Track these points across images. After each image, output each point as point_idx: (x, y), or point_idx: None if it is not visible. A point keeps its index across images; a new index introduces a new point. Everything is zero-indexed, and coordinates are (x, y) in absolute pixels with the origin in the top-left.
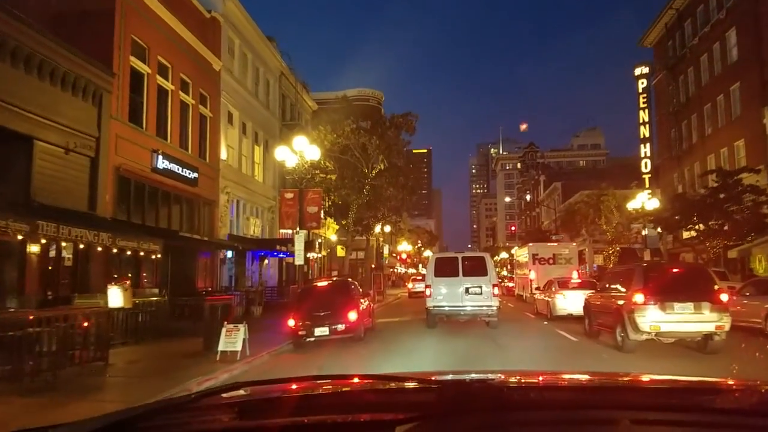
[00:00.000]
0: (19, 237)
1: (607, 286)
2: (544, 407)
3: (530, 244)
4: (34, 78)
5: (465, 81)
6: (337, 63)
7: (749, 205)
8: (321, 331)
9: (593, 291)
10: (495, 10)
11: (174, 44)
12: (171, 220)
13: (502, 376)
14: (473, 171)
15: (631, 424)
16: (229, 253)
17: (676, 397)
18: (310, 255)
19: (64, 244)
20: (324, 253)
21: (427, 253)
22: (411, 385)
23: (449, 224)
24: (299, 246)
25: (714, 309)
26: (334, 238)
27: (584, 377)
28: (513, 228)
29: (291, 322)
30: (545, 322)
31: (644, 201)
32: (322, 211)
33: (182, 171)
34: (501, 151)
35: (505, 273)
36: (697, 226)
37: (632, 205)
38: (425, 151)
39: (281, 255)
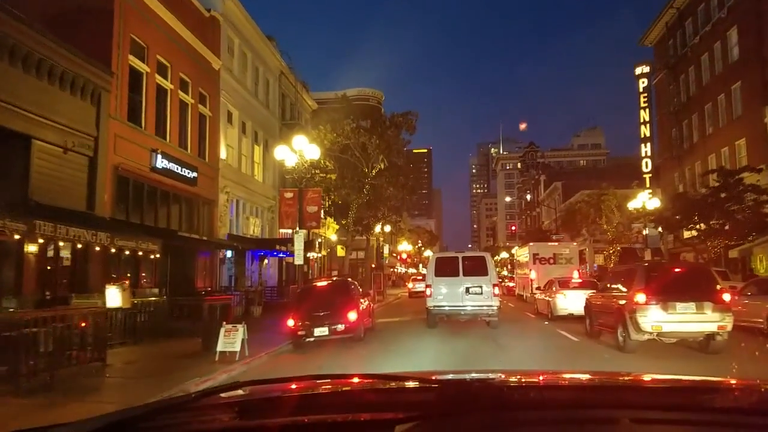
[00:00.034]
0: (16, 237)
1: (609, 285)
2: (545, 407)
3: (531, 244)
4: (33, 77)
5: (465, 80)
6: (336, 63)
7: (750, 205)
8: (320, 331)
9: (594, 291)
10: (495, 9)
11: (173, 43)
12: (170, 219)
13: (503, 376)
14: (473, 171)
15: (631, 423)
16: (229, 253)
17: (676, 396)
18: (310, 255)
19: (62, 243)
20: (324, 252)
21: (428, 252)
22: (411, 384)
23: (449, 224)
24: (299, 246)
25: (716, 309)
26: (334, 237)
27: (585, 376)
28: (513, 228)
29: (290, 322)
30: (546, 322)
31: (645, 200)
32: (321, 211)
33: (181, 170)
34: (501, 151)
35: (505, 273)
36: (698, 226)
37: (633, 204)
38: (425, 150)
39: (281, 255)
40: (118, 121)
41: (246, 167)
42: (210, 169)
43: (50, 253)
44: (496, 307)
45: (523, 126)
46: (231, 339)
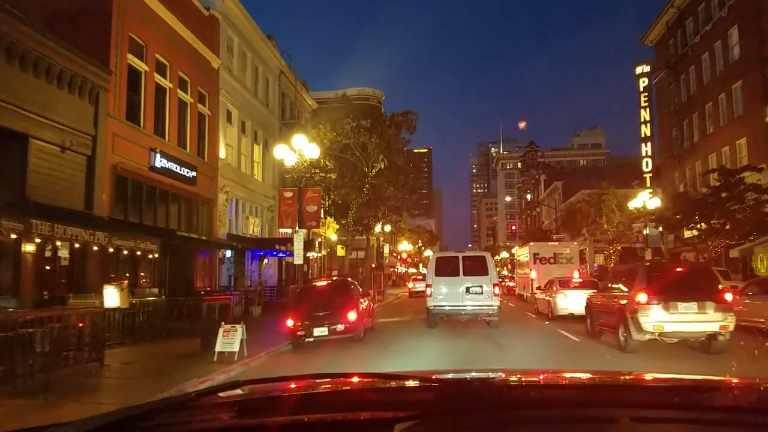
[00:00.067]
0: (13, 236)
1: (610, 285)
2: (545, 405)
3: (531, 244)
4: (30, 75)
5: (465, 80)
6: (336, 62)
7: (751, 204)
8: (320, 331)
9: (594, 290)
10: (495, 8)
11: (172, 42)
12: (169, 219)
13: (503, 375)
14: (473, 170)
15: (632, 421)
16: (228, 253)
17: (676, 394)
18: (310, 254)
19: (59, 243)
20: (324, 252)
21: (428, 252)
22: (411, 383)
23: (449, 224)
24: (298, 245)
25: (718, 309)
26: (334, 237)
27: (585, 376)
28: (513, 227)
29: (290, 322)
30: (546, 322)
31: (645, 200)
32: (321, 211)
33: (180, 170)
34: (501, 151)
35: (505, 272)
36: (698, 226)
37: (633, 204)
38: (425, 150)
39: (281, 254)
40: (117, 120)
41: (245, 167)
42: (209, 169)
43: (48, 253)
44: (496, 307)
45: (522, 124)
46: (230, 339)
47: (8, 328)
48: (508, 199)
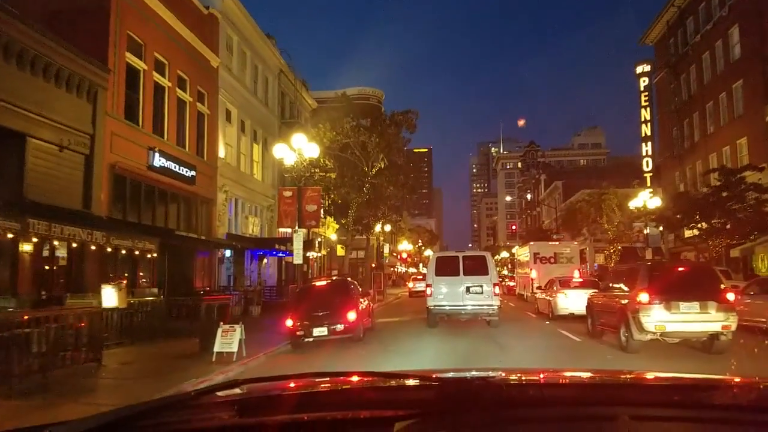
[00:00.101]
0: (10, 236)
1: (611, 285)
2: (545, 404)
3: (531, 243)
4: (28, 74)
5: (465, 80)
6: (336, 62)
7: (752, 204)
8: (319, 331)
9: (595, 290)
10: (495, 8)
11: (171, 41)
12: (168, 218)
13: (503, 374)
14: (474, 170)
15: (631, 420)
16: (228, 253)
17: (676, 393)
18: (310, 254)
19: (57, 243)
20: (324, 252)
21: (428, 252)
22: (411, 382)
23: (450, 223)
24: (298, 245)
25: (720, 308)
26: (333, 237)
27: (585, 374)
28: (514, 227)
29: (289, 322)
30: (547, 322)
31: (646, 200)
32: (321, 210)
33: (179, 169)
34: (502, 150)
35: (505, 272)
36: (699, 225)
37: (634, 203)
38: (425, 150)
39: (280, 254)
40: (115, 119)
41: (245, 166)
42: (208, 168)
43: (46, 253)
44: (496, 307)
45: (521, 122)
46: (228, 339)
47: (5, 328)
48: (508, 198)
